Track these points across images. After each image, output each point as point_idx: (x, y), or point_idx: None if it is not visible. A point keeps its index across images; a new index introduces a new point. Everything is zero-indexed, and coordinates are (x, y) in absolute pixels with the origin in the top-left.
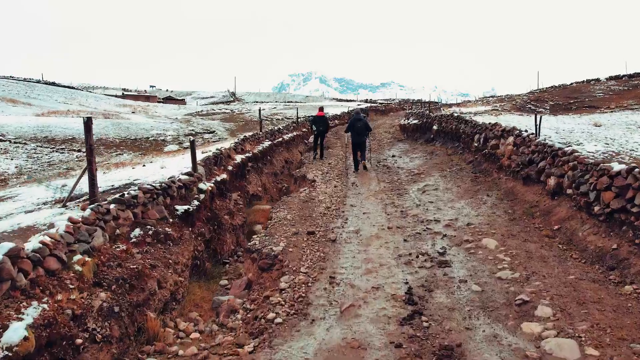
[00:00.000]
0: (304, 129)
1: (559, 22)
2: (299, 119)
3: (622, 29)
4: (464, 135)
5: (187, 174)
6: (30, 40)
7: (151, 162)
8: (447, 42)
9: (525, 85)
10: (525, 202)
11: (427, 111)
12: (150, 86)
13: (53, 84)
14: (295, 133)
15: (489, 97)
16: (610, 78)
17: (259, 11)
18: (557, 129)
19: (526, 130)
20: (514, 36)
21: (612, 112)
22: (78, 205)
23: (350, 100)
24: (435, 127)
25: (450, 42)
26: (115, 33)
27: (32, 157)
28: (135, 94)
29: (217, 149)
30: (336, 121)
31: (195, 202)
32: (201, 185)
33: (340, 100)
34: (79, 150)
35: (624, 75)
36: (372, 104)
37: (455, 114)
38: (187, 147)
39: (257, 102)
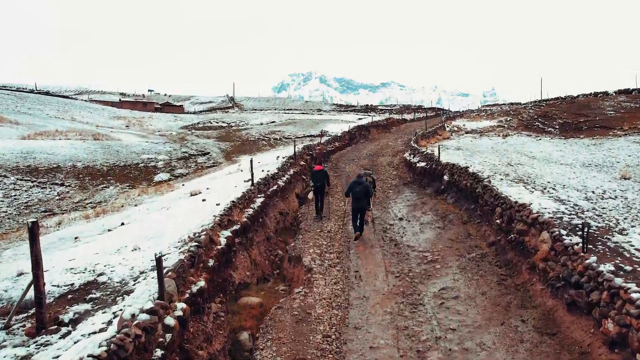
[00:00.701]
0: (302, 162)
1: (561, 22)
2: (297, 139)
3: (628, 35)
4: (482, 202)
5: (149, 311)
6: (31, 41)
7: (136, 205)
8: (447, 42)
9: (526, 87)
10: (574, 344)
11: (437, 153)
12: (149, 90)
13: (47, 93)
14: (292, 171)
15: (492, 106)
16: (620, 92)
17: (259, 11)
18: (585, 189)
19: (569, 234)
20: (514, 35)
21: (626, 135)
22: (24, 326)
23: (351, 107)
24: (446, 178)
25: (450, 42)
26: (115, 33)
27: (10, 196)
28: (133, 100)
29: (196, 243)
30: (336, 143)
31: (159, 353)
32: (168, 321)
33: (341, 105)
34: (62, 184)
35: (633, 90)
36: (373, 111)
37: (470, 170)
38: (178, 176)
39: (255, 110)
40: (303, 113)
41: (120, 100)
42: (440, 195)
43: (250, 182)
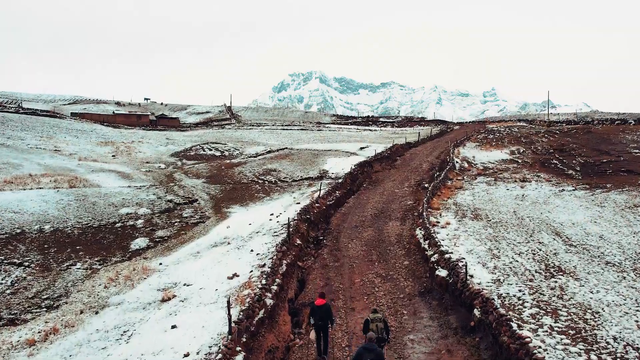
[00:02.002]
0: (297, 241)
1: (559, 22)
2: (294, 182)
3: (629, 31)
4: None
5: None
6: (29, 41)
7: (97, 312)
8: (447, 41)
9: (527, 87)
10: None
11: (464, 272)
12: (145, 99)
13: (34, 113)
14: (285, 264)
15: (498, 124)
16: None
17: (259, 12)
18: None
19: None
20: (515, 35)
21: None
22: None
23: (351, 118)
24: (477, 314)
25: (450, 41)
26: (111, 36)
27: None
28: (127, 112)
29: None
30: (337, 193)
31: None
32: None
33: (341, 117)
34: (21, 264)
35: None
36: (374, 124)
37: (515, 329)
38: (158, 242)
39: (252, 125)
40: (302, 129)
41: (114, 112)
42: (469, 336)
43: (228, 325)
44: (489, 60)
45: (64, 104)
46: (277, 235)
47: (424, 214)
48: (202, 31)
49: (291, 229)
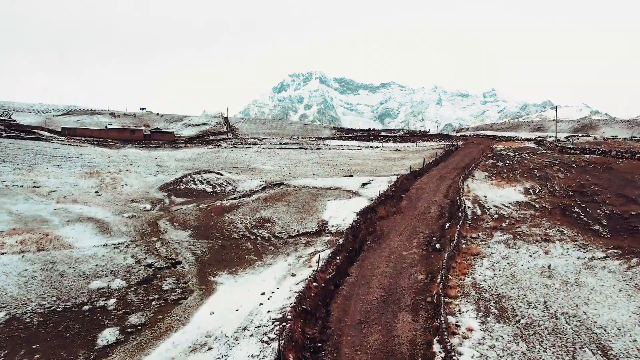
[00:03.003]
0: (290, 358)
1: (558, 21)
2: (289, 239)
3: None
4: None
5: None
6: (29, 42)
7: None
8: (447, 41)
9: (527, 87)
10: None
11: None
12: (141, 109)
13: (17, 136)
14: None
15: (505, 144)
16: None
17: (259, 11)
18: None
19: None
20: (515, 34)
21: None
22: None
23: (352, 131)
24: None
25: (450, 41)
26: (112, 34)
27: None
28: (120, 127)
29: None
30: (337, 259)
31: None
32: None
33: (341, 130)
34: None
35: None
36: (375, 139)
37: None
38: (130, 332)
39: (249, 144)
40: (301, 148)
41: (106, 127)
42: None
43: None
44: (489, 60)
45: (57, 115)
46: (267, 343)
47: (442, 318)
48: (202, 31)
49: (283, 341)
